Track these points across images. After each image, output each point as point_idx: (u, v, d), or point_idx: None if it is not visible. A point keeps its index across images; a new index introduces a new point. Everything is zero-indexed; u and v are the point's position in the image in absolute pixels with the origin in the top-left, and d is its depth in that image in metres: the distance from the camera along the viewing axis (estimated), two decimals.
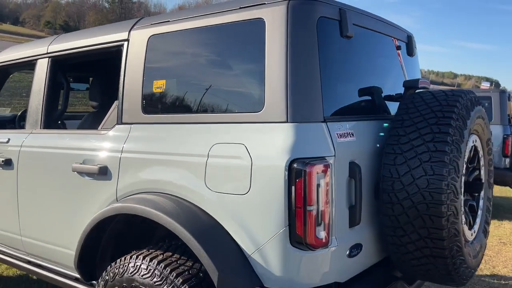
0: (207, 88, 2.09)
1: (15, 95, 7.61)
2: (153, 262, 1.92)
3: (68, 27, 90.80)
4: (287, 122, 1.76)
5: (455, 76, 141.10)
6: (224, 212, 1.84)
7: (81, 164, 2.36)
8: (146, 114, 2.21)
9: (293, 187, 1.67)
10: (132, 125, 2.25)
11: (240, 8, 1.95)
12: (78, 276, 2.46)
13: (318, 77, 1.80)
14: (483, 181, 2.30)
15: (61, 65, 2.86)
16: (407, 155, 1.87)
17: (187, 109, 2.12)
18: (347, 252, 1.87)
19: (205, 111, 2.04)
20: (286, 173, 1.68)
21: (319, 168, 1.68)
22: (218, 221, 1.85)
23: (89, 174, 2.32)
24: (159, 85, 2.19)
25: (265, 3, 1.88)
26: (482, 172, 2.29)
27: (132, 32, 2.34)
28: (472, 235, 2.15)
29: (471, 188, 2.21)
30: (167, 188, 2.01)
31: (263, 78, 1.82)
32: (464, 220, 2.01)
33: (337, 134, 1.82)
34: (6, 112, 3.90)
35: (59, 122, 2.98)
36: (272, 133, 1.77)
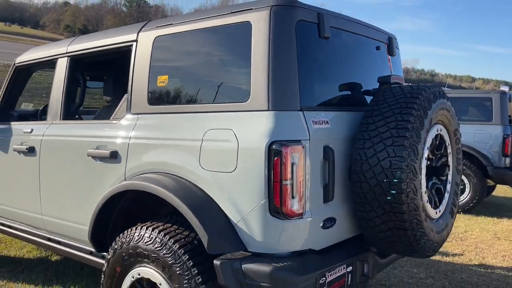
0: (203, 82, 2.40)
1: (35, 95, 8.07)
2: (155, 231, 2.23)
3: (86, 31, 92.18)
4: (268, 110, 2.05)
5: (473, 80, 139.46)
6: (214, 187, 2.14)
7: (95, 149, 2.69)
8: (151, 105, 2.53)
9: (271, 165, 1.97)
10: (139, 115, 2.58)
11: (232, 12, 2.26)
12: (92, 250, 2.79)
13: (296, 72, 2.10)
14: (450, 166, 2.56)
15: (79, 64, 3.21)
16: (374, 140, 2.15)
17: (185, 100, 2.43)
18: (321, 224, 2.15)
19: (200, 101, 2.35)
20: (266, 153, 1.98)
21: (293, 149, 1.98)
22: (210, 195, 2.15)
23: (102, 158, 2.65)
24: (162, 80, 2.51)
25: (252, 9, 2.19)
26: (450, 158, 2.55)
27: (140, 33, 2.67)
28: (436, 213, 2.41)
29: (438, 172, 2.48)
30: (168, 168, 2.33)
31: (249, 73, 2.13)
32: (427, 199, 2.28)
33: (312, 121, 2.11)
34: (30, 107, 4.28)
35: (76, 114, 3.33)
36: (256, 120, 2.07)
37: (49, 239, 3.21)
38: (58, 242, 3.13)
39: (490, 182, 7.12)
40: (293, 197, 1.99)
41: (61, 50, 3.20)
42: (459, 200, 6.87)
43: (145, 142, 2.47)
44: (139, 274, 2.28)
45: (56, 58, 3.23)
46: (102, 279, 2.47)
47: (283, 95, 2.07)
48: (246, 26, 2.18)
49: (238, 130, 2.10)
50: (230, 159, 2.09)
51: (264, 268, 1.94)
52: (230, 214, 2.09)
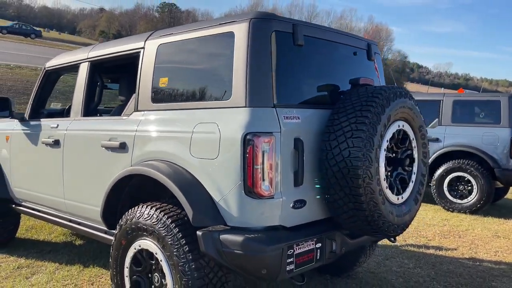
0: (195, 83, 2.81)
1: (69, 98, 8.70)
2: (152, 209, 2.65)
3: (120, 36, 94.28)
4: (245, 107, 2.44)
5: (510, 84, 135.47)
6: (201, 171, 2.54)
7: (107, 141, 3.14)
8: (154, 103, 2.96)
9: (246, 152, 2.35)
10: (144, 112, 3.01)
11: (220, 24, 2.66)
12: (107, 229, 3.23)
13: (270, 75, 2.47)
14: (415, 159, 2.87)
15: (97, 68, 3.69)
16: (337, 133, 2.50)
17: (180, 99, 2.84)
18: (291, 205, 2.51)
19: (192, 100, 2.76)
20: (242, 142, 2.36)
21: (264, 139, 2.35)
22: (197, 178, 2.55)
23: (113, 149, 3.10)
24: (163, 82, 2.93)
25: (235, 21, 2.58)
26: (415, 152, 2.87)
27: (147, 42, 3.11)
28: (398, 199, 2.72)
29: (403, 163, 2.80)
30: (165, 157, 2.74)
31: (231, 75, 2.52)
32: (386, 185, 2.60)
33: (284, 116, 2.47)
34: (58, 106, 4.81)
35: (95, 111, 3.80)
36: (235, 115, 2.46)
37: (70, 221, 3.68)
38: (79, 223, 3.60)
39: (499, 184, 7.24)
40: (263, 180, 2.36)
41: (83, 56, 3.69)
42: (467, 201, 7.09)
43: (148, 134, 2.90)
44: (139, 246, 2.70)
45: (79, 63, 3.72)
46: (111, 251, 2.91)
47: (258, 94, 2.45)
48: (230, 36, 2.58)
49: (221, 124, 2.49)
50: (214, 147, 2.48)
51: (238, 238, 2.32)
52: (212, 194, 2.48)
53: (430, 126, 7.44)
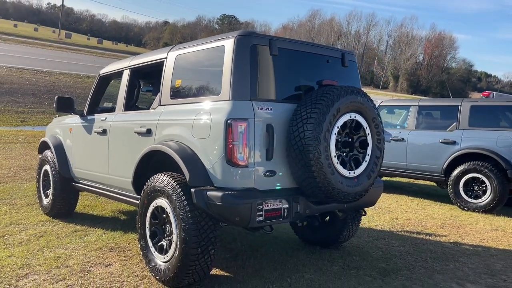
0: (198, 83, 3.76)
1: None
2: (165, 176, 3.59)
3: None
4: (229, 100, 3.34)
5: None
6: (198, 148, 3.46)
7: (138, 128, 4.15)
8: (171, 99, 3.93)
9: (227, 133, 3.24)
10: (165, 106, 3.99)
11: (216, 40, 3.60)
12: (136, 195, 4.23)
13: (248, 77, 3.35)
14: (369, 143, 3.62)
15: (136, 73, 4.74)
16: (297, 121, 3.33)
17: (188, 95, 3.79)
18: (263, 173, 3.36)
19: (197, 96, 3.70)
20: (224, 125, 3.25)
21: (240, 123, 3.23)
22: (196, 152, 3.47)
23: (142, 134, 4.10)
24: (178, 83, 3.91)
25: (227, 37, 3.51)
26: (369, 138, 3.62)
27: (169, 53, 4.11)
28: (350, 173, 3.49)
29: (358, 146, 3.58)
30: (176, 138, 3.69)
31: (221, 77, 3.43)
32: (337, 161, 3.38)
33: (258, 107, 3.35)
34: (110, 105, 5.98)
35: (133, 107, 4.86)
36: (222, 106, 3.36)
37: (113, 192, 4.74)
38: (119, 193, 4.64)
39: None
40: (239, 153, 3.24)
41: (125, 64, 4.77)
42: (481, 201, 7.50)
43: (166, 122, 3.87)
44: (156, 204, 3.66)
45: (122, 70, 4.80)
46: (138, 209, 3.89)
47: (239, 91, 3.34)
48: (222, 49, 3.50)
49: (213, 112, 3.41)
50: (207, 130, 3.40)
51: (219, 193, 3.21)
52: (205, 163, 3.39)
53: (448, 129, 7.95)
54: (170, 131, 3.80)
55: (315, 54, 3.83)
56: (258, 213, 3.26)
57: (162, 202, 3.58)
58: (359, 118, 3.56)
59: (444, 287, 3.86)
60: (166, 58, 4.12)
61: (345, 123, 3.48)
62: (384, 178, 10.22)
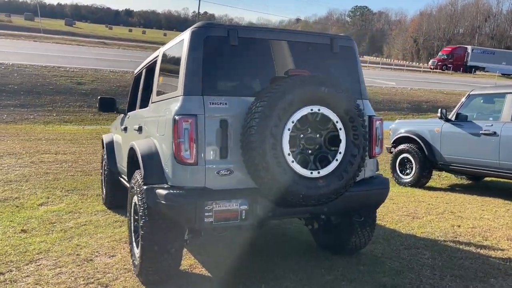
0: (170, 80, 3.71)
1: None
2: (137, 173, 3.63)
3: None
4: (181, 95, 3.23)
5: None
6: (159, 144, 3.42)
7: (136, 125, 4.27)
8: (156, 96, 3.94)
9: (174, 129, 3.13)
10: (153, 103, 4.03)
11: (181, 34, 3.51)
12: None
13: (201, 71, 3.19)
14: (341, 140, 3.16)
15: (148, 72, 4.88)
16: (249, 116, 3.06)
17: (163, 93, 3.74)
18: (217, 172, 3.18)
19: (167, 93, 3.64)
20: (172, 122, 3.15)
21: (185, 119, 3.09)
22: (158, 149, 3.43)
23: (136, 131, 4.21)
24: (160, 80, 3.92)
25: (187, 31, 3.39)
26: (341, 134, 3.16)
27: (161, 50, 4.14)
28: (312, 174, 3.09)
29: (326, 143, 3.16)
30: (151, 136, 3.70)
31: (179, 73, 3.33)
32: (292, 159, 3.02)
33: (209, 102, 3.17)
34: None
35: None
36: (176, 102, 3.26)
37: None
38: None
39: None
40: (185, 150, 3.11)
41: (143, 64, 4.94)
42: None
43: (148, 120, 3.92)
44: (133, 200, 3.71)
45: (142, 69, 4.99)
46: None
47: (189, 86, 3.21)
48: (182, 42, 3.40)
49: (168, 109, 3.33)
50: (164, 126, 3.34)
51: (163, 192, 3.13)
52: (162, 160, 3.34)
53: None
54: (148, 128, 3.84)
55: (290, 42, 3.49)
56: (207, 214, 3.10)
57: (135, 199, 3.64)
58: (326, 111, 3.14)
59: None
60: (158, 55, 4.16)
61: (305, 117, 3.10)
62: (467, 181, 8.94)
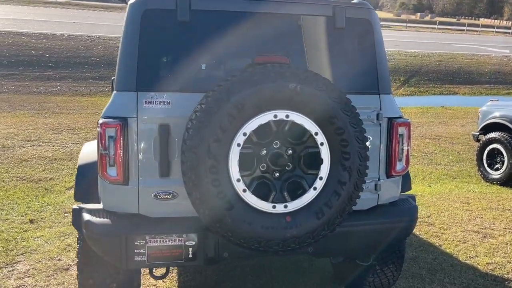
0: None
1: None
2: None
3: (421, 6, 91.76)
4: (114, 91, 2.43)
5: None
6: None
7: None
8: None
9: (98, 138, 2.36)
10: None
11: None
12: None
13: (136, 59, 2.34)
14: (322, 160, 2.13)
15: None
16: (189, 121, 2.16)
17: None
18: (154, 195, 2.36)
19: None
20: (99, 128, 2.37)
21: (109, 124, 2.29)
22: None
23: None
24: None
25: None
26: (323, 151, 2.13)
27: None
28: (275, 208, 2.12)
29: (300, 163, 2.17)
30: None
31: None
32: (244, 187, 2.09)
33: (144, 101, 2.32)
34: None
35: None
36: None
37: None
38: None
39: None
40: (110, 166, 2.32)
41: None
42: None
43: None
44: None
45: None
46: None
47: (122, 78, 2.38)
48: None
49: None
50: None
51: (85, 217, 2.39)
52: (98, 174, 2.60)
53: None
54: None
55: (269, 15, 2.46)
56: (137, 251, 2.33)
57: None
58: (297, 118, 2.12)
59: None
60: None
61: (266, 126, 2.11)
62: None
